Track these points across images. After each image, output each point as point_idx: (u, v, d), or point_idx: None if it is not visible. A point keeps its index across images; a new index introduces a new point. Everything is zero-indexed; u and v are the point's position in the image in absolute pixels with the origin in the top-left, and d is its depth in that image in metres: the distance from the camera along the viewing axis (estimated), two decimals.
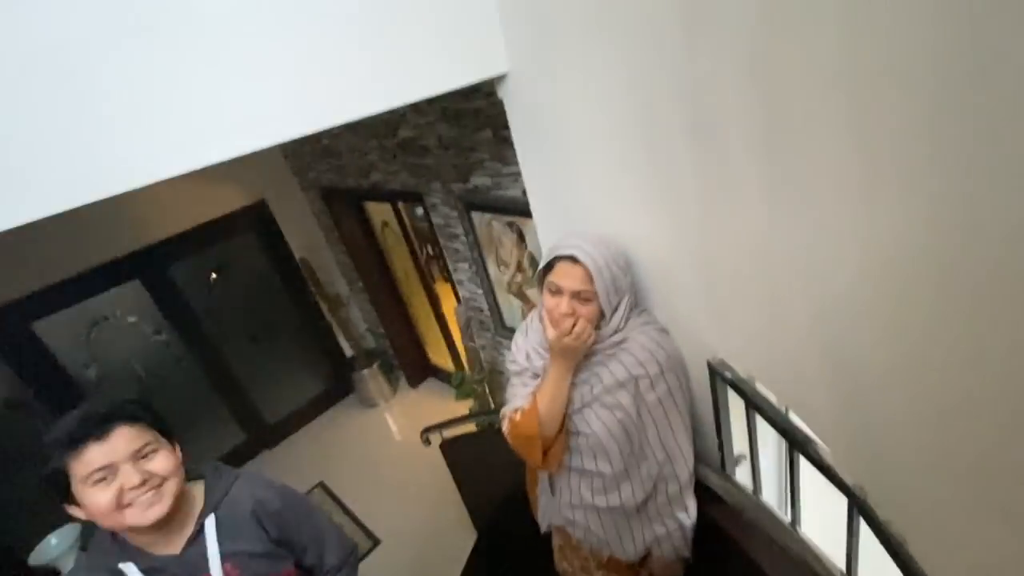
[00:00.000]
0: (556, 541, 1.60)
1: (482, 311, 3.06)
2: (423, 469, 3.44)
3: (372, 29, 1.16)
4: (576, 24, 1.08)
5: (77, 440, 0.87)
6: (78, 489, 0.87)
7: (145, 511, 0.90)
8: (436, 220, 2.89)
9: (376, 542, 3.10)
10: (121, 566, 0.93)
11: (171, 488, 0.93)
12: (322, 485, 3.58)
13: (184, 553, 0.97)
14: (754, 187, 0.80)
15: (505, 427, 1.32)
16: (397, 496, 3.39)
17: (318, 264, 4.02)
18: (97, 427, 0.88)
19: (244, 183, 3.68)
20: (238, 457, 3.88)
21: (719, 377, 1.14)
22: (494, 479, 2.39)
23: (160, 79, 0.96)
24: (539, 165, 1.48)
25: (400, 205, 3.48)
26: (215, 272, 3.70)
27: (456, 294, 3.18)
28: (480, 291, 2.96)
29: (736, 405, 1.21)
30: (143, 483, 0.90)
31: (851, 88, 0.57)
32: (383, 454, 3.81)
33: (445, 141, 2.43)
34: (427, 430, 2.62)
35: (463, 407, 3.30)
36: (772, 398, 1.05)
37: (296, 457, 3.95)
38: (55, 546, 2.70)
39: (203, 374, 3.73)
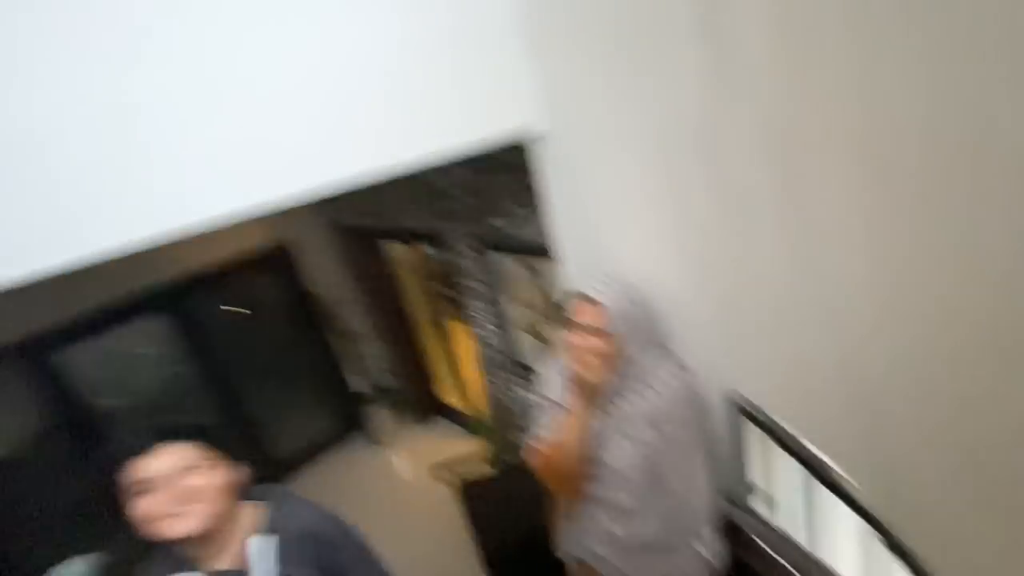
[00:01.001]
0: (573, 570, 1.60)
1: (497, 350, 3.11)
2: (432, 508, 3.39)
3: (413, 88, 1.25)
4: (607, 80, 1.19)
5: (126, 453, 0.96)
6: (125, 499, 0.95)
7: (176, 525, 0.96)
8: (453, 259, 2.98)
9: None
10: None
11: (206, 507, 0.98)
12: None
13: (227, 571, 1.02)
14: (776, 233, 0.88)
15: (530, 457, 1.36)
16: (404, 536, 3.32)
17: (333, 300, 4.09)
18: (145, 443, 0.97)
19: (266, 221, 3.81)
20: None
21: (738, 410, 1.19)
22: (509, 522, 2.37)
23: (195, 133, 1.05)
24: (567, 212, 1.58)
25: (417, 244, 3.59)
26: (235, 307, 3.78)
27: (472, 333, 3.24)
28: (495, 330, 3.01)
29: (755, 439, 1.25)
30: (178, 499, 0.96)
31: (864, 148, 0.65)
32: (391, 492, 3.76)
33: (464, 184, 2.55)
34: (437, 466, 2.62)
35: (474, 446, 3.30)
36: (790, 430, 1.09)
37: (304, 494, 3.90)
38: None
39: (216, 407, 3.77)
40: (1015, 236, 0.51)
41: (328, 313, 4.00)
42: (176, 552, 1.01)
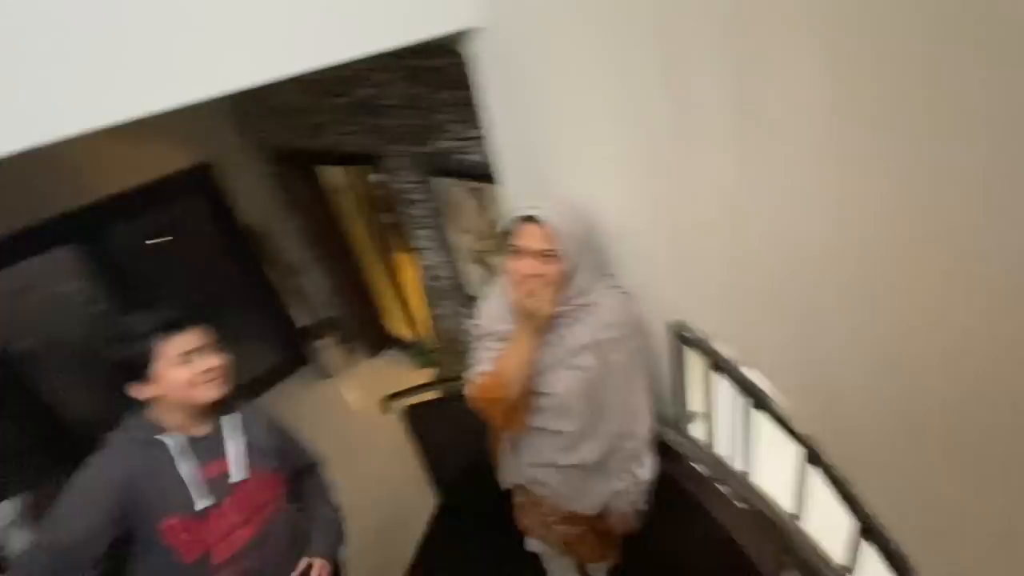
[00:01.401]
0: (517, 499, 1.64)
1: (443, 279, 3.02)
2: (382, 439, 3.42)
3: None
4: None
5: (173, 326, 1.15)
6: (159, 367, 1.13)
7: (212, 389, 1.19)
8: (395, 184, 2.80)
9: None
10: (158, 437, 1.16)
11: (226, 380, 1.24)
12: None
13: (208, 436, 1.24)
14: (727, 148, 0.81)
15: (469, 390, 1.32)
16: (355, 466, 3.35)
17: (268, 230, 3.84)
18: (182, 321, 1.17)
19: (186, 142, 3.44)
20: None
21: (679, 337, 1.17)
22: (455, 446, 2.41)
23: (97, 19, 0.86)
24: (510, 126, 1.45)
25: (356, 169, 3.35)
26: (155, 237, 3.47)
27: (416, 262, 3.12)
28: (441, 259, 2.91)
29: (694, 364, 1.25)
30: (215, 368, 1.20)
31: (827, 48, 0.57)
32: (340, 425, 3.76)
33: (404, 101, 2.34)
34: (387, 397, 2.60)
35: (423, 377, 3.29)
36: (731, 356, 1.09)
37: None
38: None
39: None
40: (965, 170, 0.46)
41: (264, 244, 3.76)
42: (156, 422, 1.18)
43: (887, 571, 0.74)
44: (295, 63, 1.09)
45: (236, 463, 1.26)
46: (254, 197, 3.85)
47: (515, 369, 1.20)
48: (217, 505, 1.21)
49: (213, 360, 1.20)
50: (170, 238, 3.52)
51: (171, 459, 1.17)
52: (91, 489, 1.10)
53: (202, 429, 1.24)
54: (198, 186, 3.57)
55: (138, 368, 1.13)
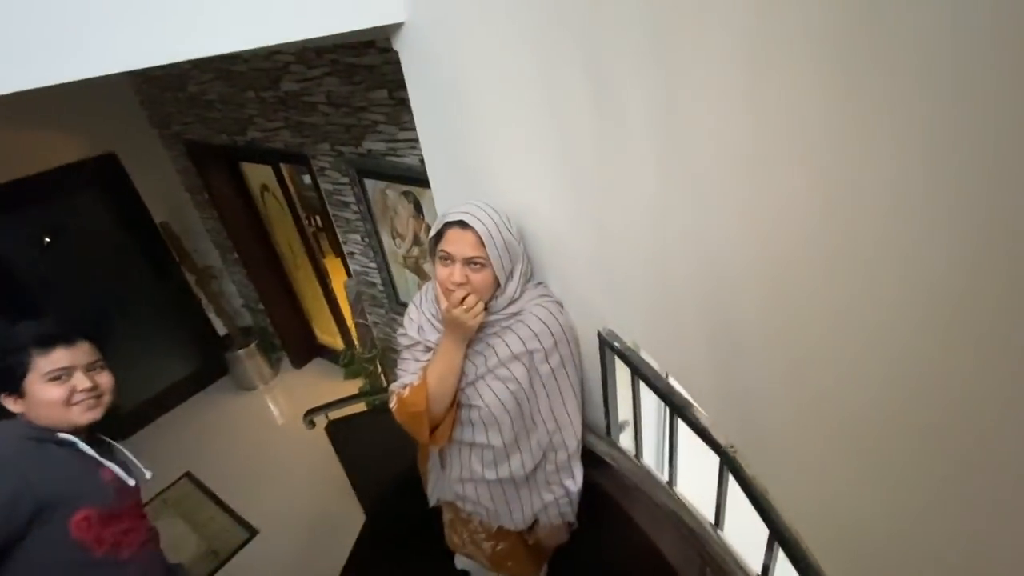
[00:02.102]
0: (446, 516, 1.58)
1: (375, 286, 2.91)
2: (307, 454, 3.24)
3: None
4: None
5: (50, 340, 1.09)
6: (32, 382, 1.08)
7: (86, 412, 1.13)
8: (324, 186, 2.68)
9: (253, 532, 2.87)
10: (60, 435, 1.11)
11: (107, 401, 1.18)
12: (188, 475, 3.24)
13: (96, 442, 1.22)
14: (650, 158, 0.80)
15: (393, 403, 1.26)
16: (278, 483, 3.16)
17: (183, 230, 3.56)
18: (67, 334, 1.12)
19: (88, 131, 3.12)
20: None
21: (608, 347, 1.17)
22: (383, 460, 2.32)
23: None
24: (436, 128, 1.40)
25: (283, 168, 3.18)
26: (50, 235, 3.12)
27: (346, 267, 2.99)
28: (373, 265, 2.81)
29: (623, 374, 1.25)
30: (92, 389, 1.13)
31: (746, 63, 0.57)
32: (263, 440, 3.53)
33: (334, 98, 2.24)
34: (311, 411, 2.46)
35: (353, 388, 3.14)
36: (656, 366, 1.10)
37: (158, 446, 3.51)
38: None
39: None
40: (878, 175, 0.47)
41: (180, 245, 3.48)
42: (37, 425, 1.11)
43: None
44: (204, 45, 1.00)
45: (125, 470, 1.25)
46: (168, 194, 3.56)
47: (441, 382, 1.16)
48: (121, 503, 1.20)
49: (93, 380, 1.14)
50: (67, 235, 3.17)
51: (76, 455, 1.14)
52: None
53: (87, 437, 1.21)
54: (102, 179, 3.25)
55: (9, 381, 1.09)
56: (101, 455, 1.20)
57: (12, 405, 1.11)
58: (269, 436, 3.56)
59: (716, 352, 0.83)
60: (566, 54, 0.89)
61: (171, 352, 3.76)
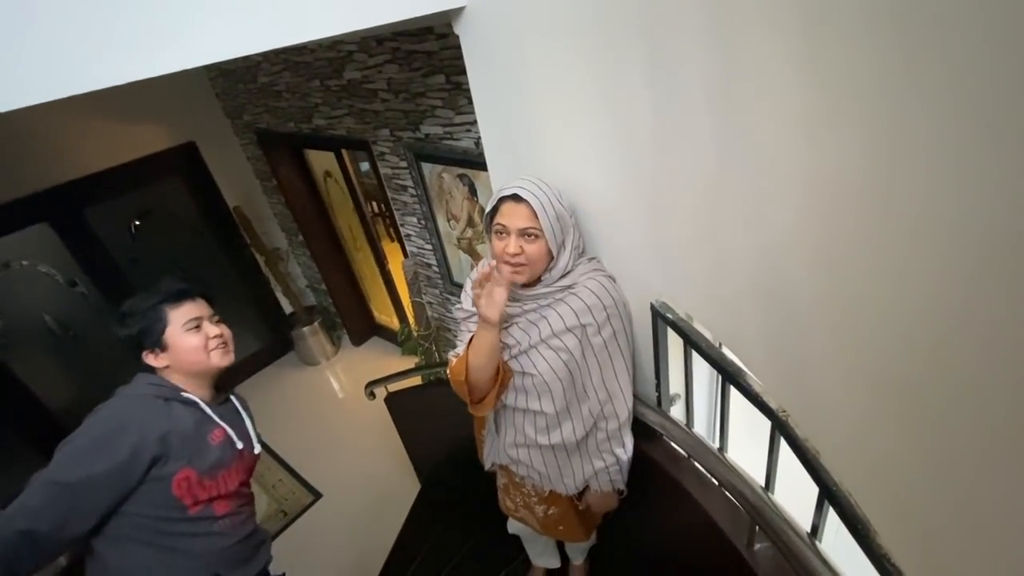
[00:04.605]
0: (500, 480, 1.66)
1: (431, 267, 3.03)
2: (367, 425, 3.43)
3: None
4: None
5: (179, 295, 1.23)
6: (173, 334, 1.20)
7: (224, 356, 1.27)
8: (384, 170, 2.80)
9: (318, 496, 3.09)
10: (185, 395, 1.23)
11: (232, 348, 1.30)
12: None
13: (221, 404, 1.35)
14: (706, 129, 0.83)
15: (448, 372, 1.33)
16: (340, 451, 3.37)
17: (254, 214, 3.81)
18: (190, 290, 1.26)
19: (171, 123, 3.39)
20: None
21: (661, 318, 1.20)
22: (439, 431, 2.43)
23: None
24: (493, 108, 1.46)
25: (345, 154, 3.34)
26: (138, 218, 3.43)
27: (404, 249, 3.12)
28: (429, 246, 2.92)
29: (675, 346, 1.28)
30: (221, 335, 1.27)
31: (804, 32, 0.59)
32: (325, 411, 3.76)
33: (394, 85, 2.34)
34: (371, 383, 2.60)
35: (409, 364, 3.29)
36: (708, 336, 1.12)
37: None
38: None
39: None
40: (925, 142, 0.49)
41: (250, 228, 3.73)
42: (166, 384, 1.22)
43: (849, 534, 0.77)
44: (278, 37, 1.08)
45: (241, 433, 1.34)
46: (240, 180, 3.82)
47: (476, 355, 1.22)
48: (226, 466, 1.28)
49: (220, 328, 1.27)
50: (153, 218, 3.47)
51: (192, 416, 1.23)
52: (117, 434, 1.11)
53: (212, 397, 1.32)
54: (183, 167, 3.53)
55: (151, 336, 1.19)
56: (221, 416, 1.30)
57: (155, 360, 1.22)
58: (331, 408, 3.78)
59: (769, 319, 0.85)
60: (624, 32, 0.92)
61: (241, 328, 4.05)
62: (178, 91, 3.36)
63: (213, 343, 1.24)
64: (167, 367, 1.23)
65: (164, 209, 3.54)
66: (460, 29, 1.37)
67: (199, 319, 1.23)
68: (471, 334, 1.32)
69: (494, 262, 1.19)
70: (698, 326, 1.14)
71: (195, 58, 1.01)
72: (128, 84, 0.95)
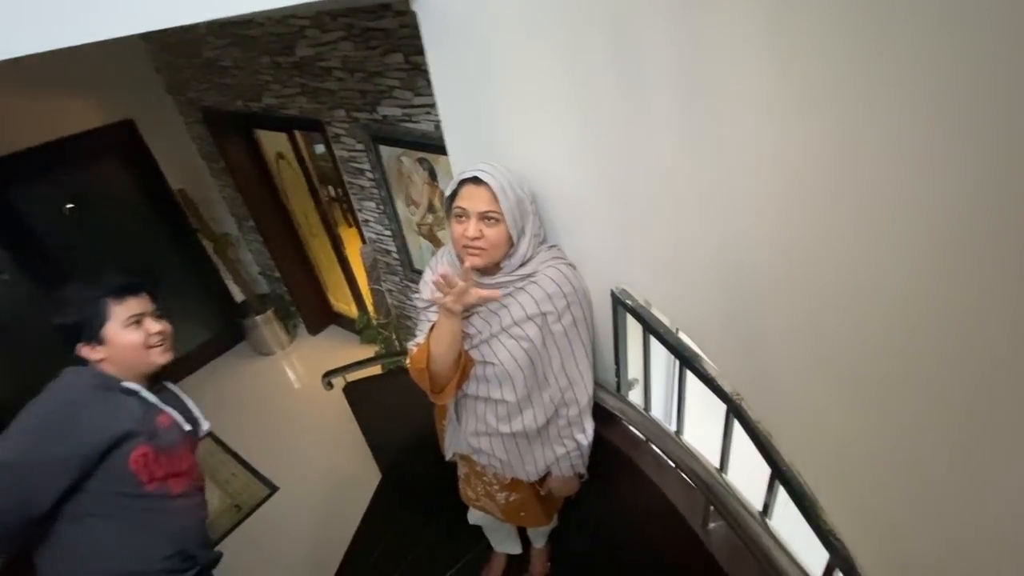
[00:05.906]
0: (461, 470, 1.65)
1: (390, 253, 2.96)
2: (325, 416, 3.35)
3: None
4: None
5: (122, 290, 1.20)
6: (112, 329, 1.17)
7: (163, 354, 1.25)
8: (339, 152, 2.70)
9: (274, 489, 3.01)
10: (125, 385, 1.20)
11: (171, 345, 1.28)
12: (209, 435, 3.36)
13: (160, 391, 1.31)
14: (668, 115, 0.82)
15: (407, 360, 1.31)
16: (297, 443, 3.28)
17: (200, 198, 3.61)
18: (134, 285, 1.23)
19: (105, 99, 3.16)
20: None
21: (620, 305, 1.21)
22: (398, 421, 2.40)
23: None
24: (453, 91, 1.41)
25: (298, 135, 3.20)
26: (71, 201, 3.19)
27: (361, 235, 3.04)
28: (388, 232, 2.85)
29: (634, 332, 1.29)
30: (162, 332, 1.25)
31: (770, 15, 0.59)
32: (281, 402, 3.65)
33: (349, 64, 2.25)
34: (329, 373, 2.53)
35: (368, 353, 3.23)
36: (667, 322, 1.13)
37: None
38: None
39: None
40: (882, 127, 0.49)
41: (197, 212, 3.53)
42: (104, 374, 1.20)
43: (798, 512, 0.80)
44: (222, 6, 1.01)
45: (187, 416, 1.35)
46: (185, 161, 3.61)
47: (438, 345, 1.20)
48: (176, 446, 1.30)
49: (161, 325, 1.25)
50: (88, 202, 3.24)
51: (138, 402, 1.23)
52: (65, 422, 1.10)
53: (148, 387, 1.29)
54: (120, 146, 3.30)
55: (89, 330, 1.17)
56: (165, 402, 1.29)
57: (90, 353, 1.19)
58: (287, 399, 3.67)
59: (727, 305, 0.86)
60: (588, 13, 0.90)
61: (189, 318, 3.87)
62: (113, 64, 3.12)
63: (154, 339, 1.22)
64: (103, 360, 1.20)
65: (101, 192, 3.30)
66: (418, 6, 1.31)
67: (141, 315, 1.21)
68: (431, 323, 1.30)
69: (450, 270, 1.16)
70: (656, 312, 1.15)
71: (129, 25, 0.92)
72: (52, 53, 0.86)
